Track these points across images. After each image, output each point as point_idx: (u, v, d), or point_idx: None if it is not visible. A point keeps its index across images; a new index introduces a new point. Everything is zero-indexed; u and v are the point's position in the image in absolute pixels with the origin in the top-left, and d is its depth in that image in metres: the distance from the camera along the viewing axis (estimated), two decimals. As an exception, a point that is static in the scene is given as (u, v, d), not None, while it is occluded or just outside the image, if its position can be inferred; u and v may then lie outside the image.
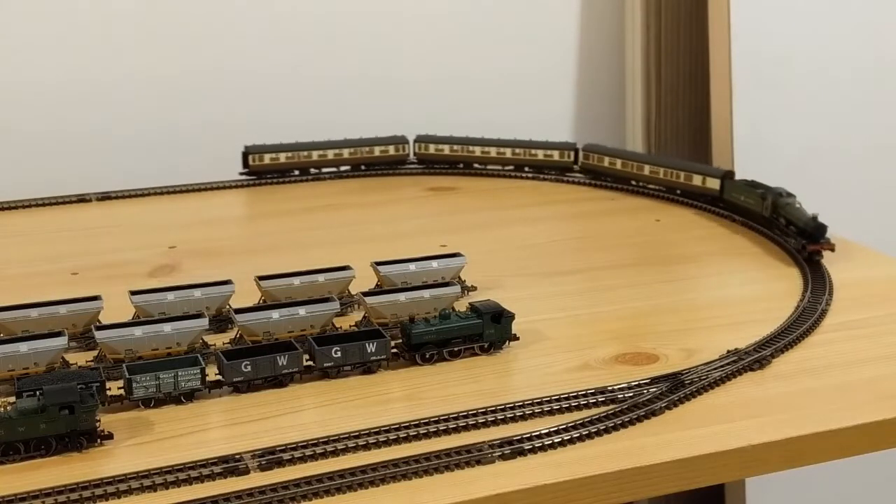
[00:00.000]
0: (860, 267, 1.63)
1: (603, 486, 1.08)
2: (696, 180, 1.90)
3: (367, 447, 1.11)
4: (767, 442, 1.14)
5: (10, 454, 1.09)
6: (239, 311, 1.34)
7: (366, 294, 1.40)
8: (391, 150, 2.17)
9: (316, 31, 2.24)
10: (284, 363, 1.25)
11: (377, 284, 1.48)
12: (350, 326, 1.40)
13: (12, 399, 1.13)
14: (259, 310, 1.35)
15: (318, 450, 1.10)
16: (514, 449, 1.11)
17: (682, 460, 1.11)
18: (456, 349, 1.32)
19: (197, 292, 1.40)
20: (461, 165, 2.17)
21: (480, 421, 1.16)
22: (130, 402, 1.20)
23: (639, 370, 1.29)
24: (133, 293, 1.39)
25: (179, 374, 1.20)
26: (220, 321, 1.41)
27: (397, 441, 1.13)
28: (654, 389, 1.23)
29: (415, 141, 2.18)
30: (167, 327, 1.29)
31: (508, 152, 2.13)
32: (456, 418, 1.16)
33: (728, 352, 1.32)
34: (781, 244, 1.71)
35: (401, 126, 2.22)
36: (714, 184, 1.90)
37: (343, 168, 2.16)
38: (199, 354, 1.25)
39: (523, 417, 1.18)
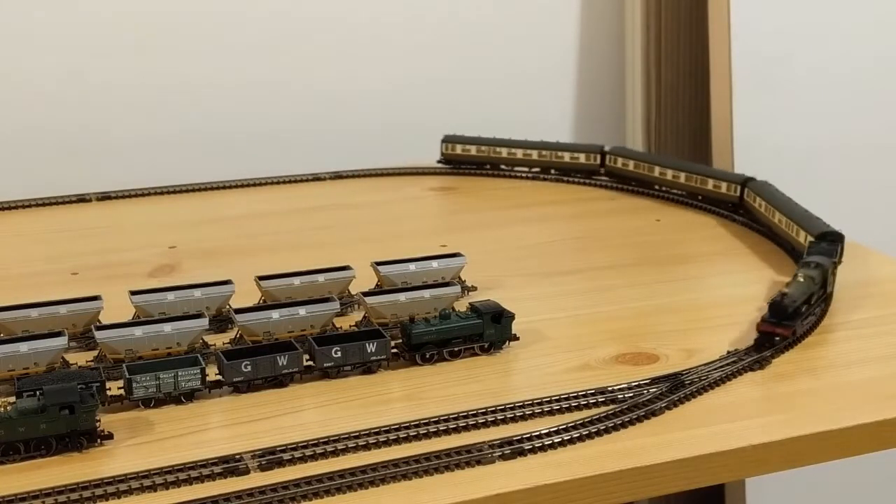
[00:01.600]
0: (860, 267, 1.63)
1: (603, 486, 1.08)
2: (801, 237, 1.65)
3: (367, 447, 1.11)
4: (767, 442, 1.14)
5: (10, 454, 1.09)
6: (239, 311, 1.34)
7: (366, 294, 1.40)
8: (581, 158, 2.09)
9: (313, 37, 2.25)
10: (284, 363, 1.24)
11: (377, 284, 1.48)
12: (350, 326, 1.40)
13: (12, 399, 1.13)
14: (259, 310, 1.35)
15: (319, 450, 1.10)
16: (514, 449, 1.11)
17: (682, 460, 1.11)
18: (456, 349, 1.32)
19: (197, 292, 1.40)
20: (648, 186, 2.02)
21: (480, 421, 1.16)
22: (130, 402, 1.20)
23: (639, 370, 1.29)
24: (133, 293, 1.39)
25: (179, 374, 1.20)
26: (220, 321, 1.41)
27: (397, 441, 1.13)
28: (654, 389, 1.23)
29: (606, 152, 2.08)
30: (167, 327, 1.29)
31: (683, 177, 1.95)
32: (456, 418, 1.16)
33: (728, 352, 1.32)
34: (782, 245, 1.71)
35: (401, 125, 2.22)
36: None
37: (534, 169, 2.12)
38: (199, 354, 1.25)
39: (523, 417, 1.18)
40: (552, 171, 2.12)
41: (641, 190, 2.03)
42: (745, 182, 1.86)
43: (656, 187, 2.01)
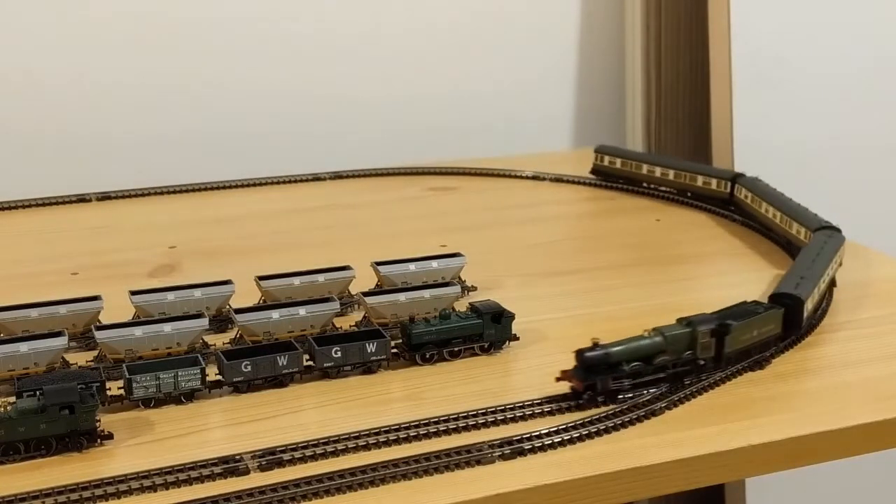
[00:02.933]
0: (860, 267, 1.63)
1: (603, 486, 1.08)
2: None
3: (367, 447, 1.11)
4: (767, 442, 1.14)
5: (10, 454, 1.09)
6: (239, 311, 1.34)
7: (366, 294, 1.40)
8: (713, 184, 1.91)
9: (314, 37, 2.24)
10: (284, 363, 1.24)
11: (377, 284, 1.48)
12: (350, 326, 1.40)
13: (12, 399, 1.13)
14: (259, 310, 1.35)
15: (318, 450, 1.10)
16: (514, 449, 1.11)
17: (682, 460, 1.11)
18: (456, 349, 1.32)
19: (197, 292, 1.40)
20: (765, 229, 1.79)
21: (480, 421, 1.16)
22: (130, 402, 1.20)
23: (639, 370, 1.29)
24: (133, 293, 1.39)
25: (179, 374, 1.20)
26: (220, 321, 1.41)
27: (397, 441, 1.13)
28: (654, 389, 1.23)
29: (731, 180, 1.89)
30: (167, 327, 1.29)
31: (779, 216, 1.73)
32: (456, 418, 1.16)
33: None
34: (782, 245, 1.71)
35: (401, 125, 2.22)
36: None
37: (662, 189, 1.99)
38: (199, 354, 1.25)
39: (523, 417, 1.18)
40: (688, 195, 1.96)
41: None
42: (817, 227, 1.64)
43: (774, 232, 1.75)
